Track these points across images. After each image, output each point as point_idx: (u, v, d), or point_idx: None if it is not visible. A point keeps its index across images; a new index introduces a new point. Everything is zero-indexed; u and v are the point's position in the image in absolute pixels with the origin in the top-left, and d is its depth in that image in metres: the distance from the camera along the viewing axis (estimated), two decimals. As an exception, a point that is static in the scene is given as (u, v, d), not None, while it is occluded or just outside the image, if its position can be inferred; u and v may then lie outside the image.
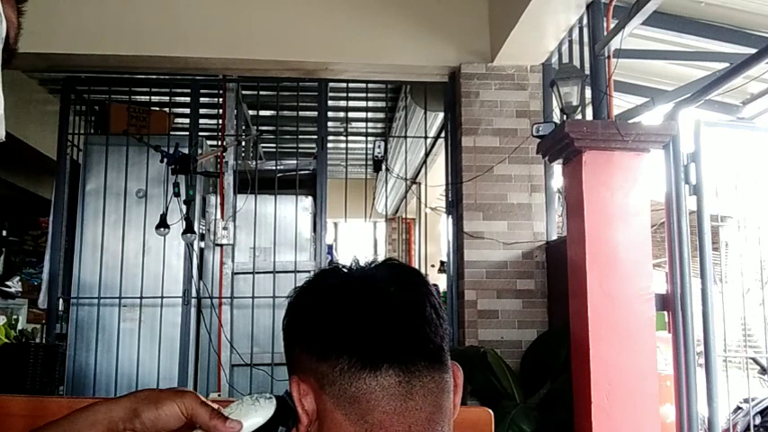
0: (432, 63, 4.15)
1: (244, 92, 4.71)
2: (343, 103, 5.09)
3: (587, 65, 3.45)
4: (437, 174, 4.83)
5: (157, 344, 3.97)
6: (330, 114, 4.67)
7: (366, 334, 0.67)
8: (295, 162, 4.41)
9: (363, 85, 4.51)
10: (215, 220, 4.15)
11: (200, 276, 4.15)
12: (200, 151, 4.13)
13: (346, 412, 0.66)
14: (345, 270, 0.73)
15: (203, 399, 0.70)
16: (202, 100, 4.67)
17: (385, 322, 0.68)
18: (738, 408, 4.60)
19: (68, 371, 3.95)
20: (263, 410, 0.70)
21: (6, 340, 5.39)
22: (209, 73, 4.29)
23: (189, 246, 3.99)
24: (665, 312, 2.92)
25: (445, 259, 4.64)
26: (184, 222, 3.75)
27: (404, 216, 9.04)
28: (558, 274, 3.50)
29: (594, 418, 2.71)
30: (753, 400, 4.34)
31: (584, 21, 3.51)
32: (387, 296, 0.69)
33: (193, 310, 4.09)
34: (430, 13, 4.11)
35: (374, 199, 7.71)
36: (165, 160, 3.73)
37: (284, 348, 0.75)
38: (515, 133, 3.99)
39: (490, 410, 1.58)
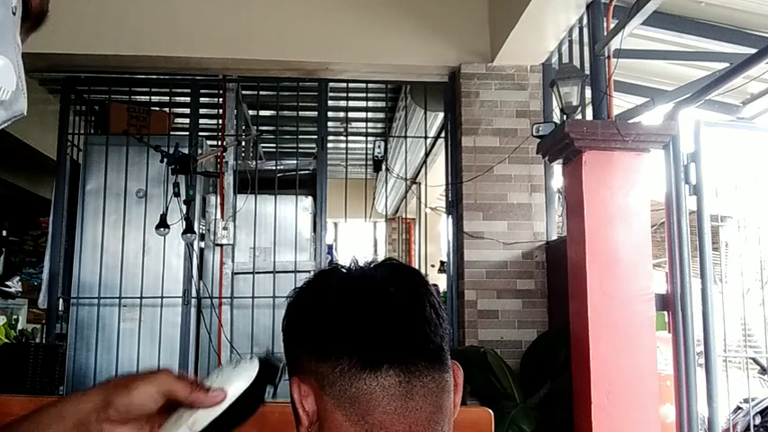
0: (432, 63, 4.15)
1: (244, 92, 4.71)
2: (343, 103, 5.08)
3: (587, 65, 3.44)
4: (437, 174, 4.83)
5: (157, 344, 3.97)
6: (330, 114, 4.66)
7: (366, 334, 0.67)
8: (295, 162, 4.41)
9: (363, 85, 4.51)
10: (215, 220, 4.15)
11: (200, 276, 4.14)
12: (200, 151, 4.13)
13: (347, 413, 0.66)
14: (345, 270, 0.73)
15: (179, 374, 0.67)
16: (202, 100, 4.67)
17: (385, 322, 0.68)
18: (738, 408, 4.60)
19: (68, 371, 3.95)
20: (246, 372, 0.66)
21: (6, 340, 5.39)
22: (209, 73, 4.29)
23: (189, 246, 3.99)
24: (665, 312, 2.92)
25: (445, 259, 4.64)
26: (184, 222, 3.75)
27: (404, 216, 9.04)
28: (558, 274, 3.50)
29: (594, 418, 2.71)
30: (753, 400, 4.34)
31: (584, 21, 3.51)
32: (386, 296, 0.69)
33: (193, 310, 4.08)
34: (430, 13, 4.11)
35: (374, 199, 7.71)
36: (165, 160, 3.73)
37: (284, 349, 0.74)
38: (515, 133, 3.99)
39: (490, 410, 1.58)
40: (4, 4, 0.55)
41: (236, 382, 0.66)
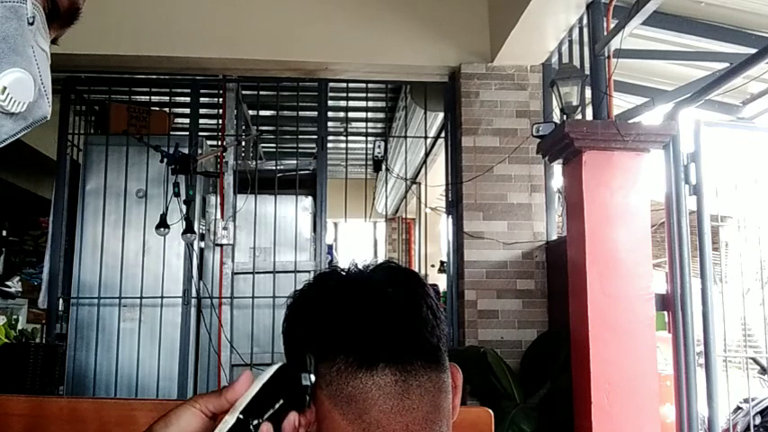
0: (432, 63, 4.15)
1: (244, 92, 4.71)
2: (343, 103, 5.09)
3: (587, 65, 3.45)
4: (437, 174, 4.83)
5: (157, 344, 3.97)
6: (330, 114, 4.67)
7: (362, 334, 0.68)
8: (295, 162, 4.41)
9: (363, 85, 4.51)
10: (215, 220, 4.15)
11: (200, 276, 4.15)
12: (200, 151, 4.13)
13: (343, 411, 0.66)
14: (343, 272, 0.74)
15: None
16: (202, 100, 4.67)
17: (381, 322, 0.68)
18: (738, 408, 4.60)
19: (68, 371, 3.95)
20: (273, 366, 0.68)
21: (6, 340, 5.39)
22: (209, 73, 4.29)
23: (189, 246, 3.99)
24: (665, 312, 2.92)
25: (445, 259, 4.64)
26: (184, 222, 3.75)
27: (404, 216, 9.05)
28: (558, 274, 3.50)
29: (594, 418, 2.71)
30: (753, 400, 4.34)
31: (584, 21, 3.51)
32: (384, 297, 0.70)
33: (193, 310, 4.08)
34: (430, 13, 4.11)
35: (374, 199, 7.71)
36: (165, 160, 3.73)
37: (284, 350, 0.75)
38: (515, 133, 3.99)
39: (490, 410, 1.57)
40: (17, 17, 0.55)
41: (265, 373, 0.68)
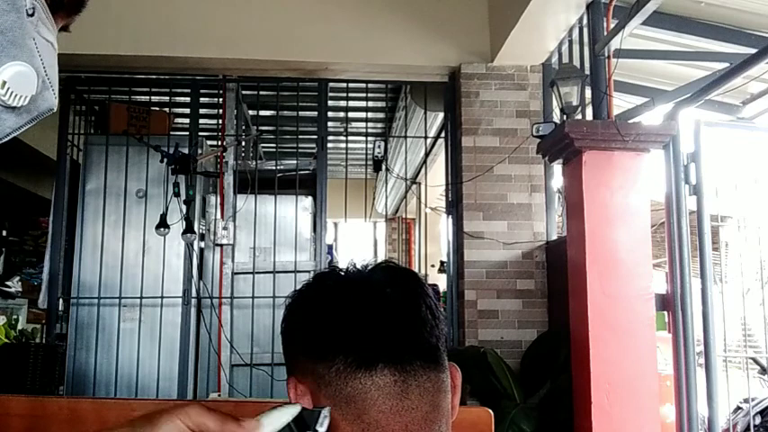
0: (432, 63, 4.15)
1: (244, 92, 4.71)
2: (343, 103, 5.09)
3: (587, 65, 3.45)
4: (437, 174, 4.84)
5: (157, 344, 3.97)
6: (330, 114, 4.67)
7: (361, 334, 0.68)
8: (295, 162, 4.41)
9: (363, 85, 4.51)
10: (215, 220, 4.15)
11: (200, 276, 4.14)
12: (200, 151, 4.13)
13: (343, 412, 0.66)
14: (342, 272, 0.74)
15: (209, 407, 0.63)
16: (202, 100, 4.67)
17: (380, 322, 0.68)
18: (738, 408, 4.60)
19: (68, 371, 3.95)
20: (289, 410, 0.65)
21: (6, 340, 5.39)
22: (209, 73, 4.29)
23: (189, 246, 3.99)
24: (665, 312, 2.92)
25: (445, 259, 4.64)
26: (184, 222, 3.75)
27: (404, 216, 9.05)
28: (558, 274, 3.50)
29: (594, 418, 2.71)
30: (753, 400, 4.34)
31: (584, 21, 3.51)
32: (382, 297, 0.69)
33: (193, 310, 4.08)
34: (430, 13, 4.12)
35: (374, 199, 7.71)
36: (165, 160, 3.73)
37: (283, 351, 0.75)
38: (515, 133, 3.99)
39: (490, 410, 1.57)
40: (15, 9, 0.54)
41: (276, 415, 0.63)
